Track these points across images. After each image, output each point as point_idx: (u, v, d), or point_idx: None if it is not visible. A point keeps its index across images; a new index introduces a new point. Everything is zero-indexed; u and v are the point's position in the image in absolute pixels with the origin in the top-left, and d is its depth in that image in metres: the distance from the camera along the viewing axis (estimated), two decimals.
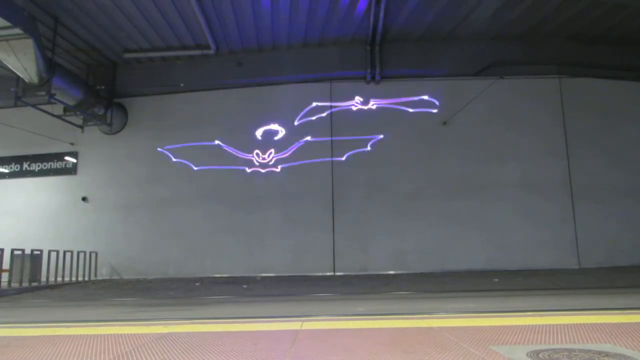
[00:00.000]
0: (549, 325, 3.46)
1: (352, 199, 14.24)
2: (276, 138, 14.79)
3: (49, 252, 12.34)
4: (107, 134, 15.47)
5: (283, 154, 14.71)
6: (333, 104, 14.73)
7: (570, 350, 2.61)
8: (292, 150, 14.68)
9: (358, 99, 14.61)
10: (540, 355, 2.50)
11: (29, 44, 10.88)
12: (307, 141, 14.63)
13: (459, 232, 13.85)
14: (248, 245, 14.29)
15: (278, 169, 14.63)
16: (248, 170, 14.70)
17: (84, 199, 15.19)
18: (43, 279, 12.32)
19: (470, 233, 13.83)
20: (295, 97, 14.86)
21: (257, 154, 14.77)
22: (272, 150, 14.75)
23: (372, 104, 14.66)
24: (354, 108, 14.69)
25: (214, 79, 15.01)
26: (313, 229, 14.15)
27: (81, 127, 14.76)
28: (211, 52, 14.35)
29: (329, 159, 14.47)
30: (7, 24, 10.10)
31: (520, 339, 2.97)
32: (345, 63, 14.58)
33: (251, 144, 14.81)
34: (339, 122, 14.63)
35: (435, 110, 14.49)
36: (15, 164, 15.83)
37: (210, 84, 15.09)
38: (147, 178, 15.08)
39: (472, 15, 13.02)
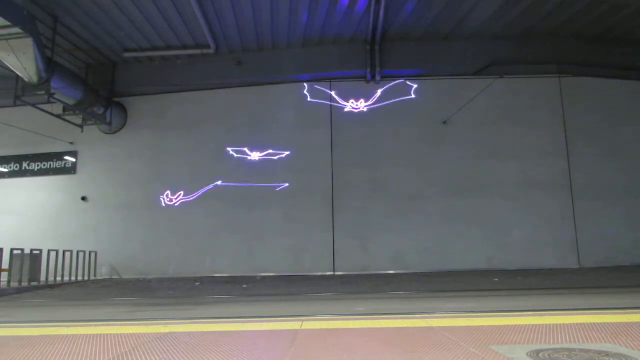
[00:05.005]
0: (549, 325, 3.45)
1: (352, 198, 14.23)
2: (276, 137, 14.77)
3: (49, 251, 12.33)
4: (107, 133, 15.46)
5: (283, 153, 14.71)
6: (333, 103, 14.74)
7: (570, 350, 2.61)
8: (292, 149, 14.67)
9: (354, 102, 14.61)
10: (540, 355, 2.50)
11: (28, 43, 10.87)
12: (307, 140, 14.62)
13: (459, 231, 13.84)
14: (248, 245, 14.28)
15: (278, 168, 14.61)
16: (247, 169, 14.68)
17: (83, 198, 15.17)
18: (43, 278, 12.31)
19: (470, 233, 13.83)
20: (295, 96, 14.86)
21: (257, 153, 14.76)
22: (273, 150, 14.75)
23: (373, 104, 14.66)
24: (354, 107, 14.70)
25: (213, 79, 15.01)
26: (313, 228, 14.14)
27: (81, 126, 14.74)
28: (211, 51, 14.34)
29: (329, 158, 14.47)
30: (7, 23, 10.10)
31: (520, 338, 2.96)
32: (345, 62, 14.58)
33: (251, 143, 14.80)
34: (339, 121, 14.63)
35: (435, 110, 14.49)
36: (14, 164, 15.82)
37: (210, 84, 15.08)
38: (146, 177, 15.07)
39: (471, 15, 13.02)
